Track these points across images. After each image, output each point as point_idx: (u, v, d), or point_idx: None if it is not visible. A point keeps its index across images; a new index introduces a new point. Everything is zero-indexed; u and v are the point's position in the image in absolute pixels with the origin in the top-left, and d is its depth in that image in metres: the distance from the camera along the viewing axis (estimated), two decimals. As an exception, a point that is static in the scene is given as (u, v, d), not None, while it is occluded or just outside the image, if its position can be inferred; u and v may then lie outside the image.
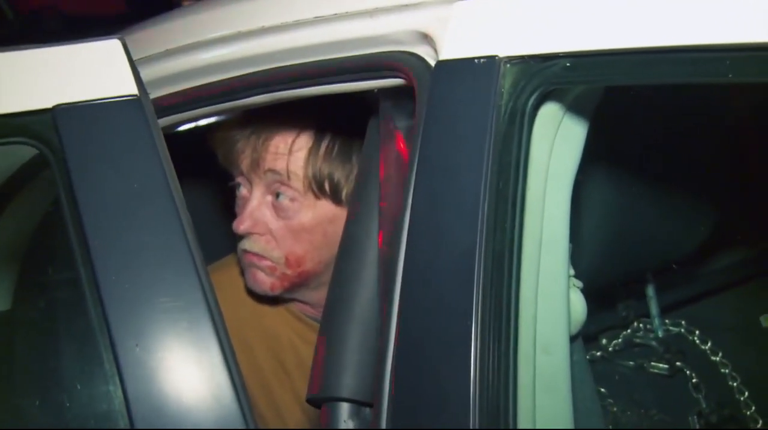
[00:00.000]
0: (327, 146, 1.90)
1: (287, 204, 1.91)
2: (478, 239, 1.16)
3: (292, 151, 1.89)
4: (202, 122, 2.09)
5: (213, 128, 2.03)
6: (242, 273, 2.05)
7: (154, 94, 1.61)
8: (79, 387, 1.38)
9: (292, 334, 2.10)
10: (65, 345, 1.41)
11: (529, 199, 1.21)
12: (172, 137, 1.53)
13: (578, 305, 1.33)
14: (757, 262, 1.93)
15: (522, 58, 1.19)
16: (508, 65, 1.20)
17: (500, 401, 1.14)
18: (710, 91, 1.49)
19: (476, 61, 1.22)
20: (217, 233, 2.35)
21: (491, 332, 1.15)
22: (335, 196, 1.90)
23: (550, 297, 1.24)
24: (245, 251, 1.98)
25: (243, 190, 1.98)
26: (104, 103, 1.35)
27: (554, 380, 1.24)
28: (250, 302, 2.08)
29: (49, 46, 1.39)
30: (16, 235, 1.76)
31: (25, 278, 1.74)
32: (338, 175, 1.89)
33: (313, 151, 1.89)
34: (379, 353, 1.30)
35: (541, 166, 1.23)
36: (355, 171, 1.89)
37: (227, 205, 2.10)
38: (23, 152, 1.49)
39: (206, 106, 1.65)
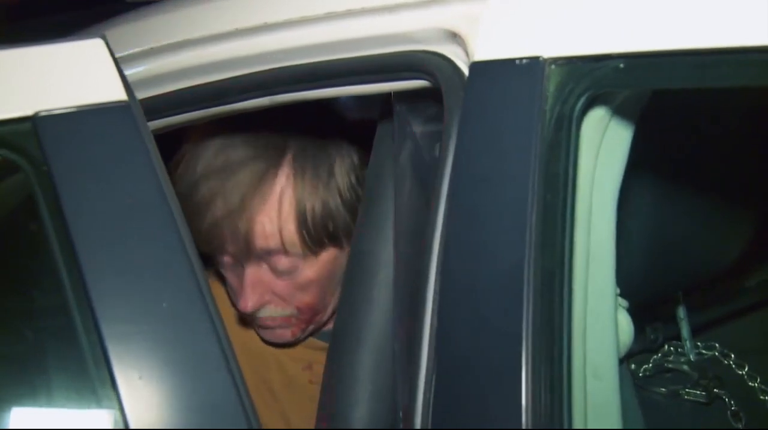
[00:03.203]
0: (314, 198, 1.93)
1: (288, 269, 1.97)
2: (526, 256, 1.20)
3: (282, 226, 1.93)
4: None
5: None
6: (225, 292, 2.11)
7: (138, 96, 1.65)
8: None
9: (278, 352, 2.17)
10: (54, 380, 1.42)
11: (577, 212, 1.25)
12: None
13: (625, 326, 1.39)
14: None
15: (569, 59, 1.23)
16: (553, 66, 1.24)
17: (555, 432, 1.19)
18: (750, 95, 1.55)
19: (517, 62, 1.27)
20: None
21: (543, 357, 1.19)
22: (335, 242, 1.97)
23: (598, 318, 1.29)
24: (256, 318, 2.05)
25: (231, 263, 2.03)
26: (90, 109, 1.38)
27: (605, 407, 1.29)
28: (232, 321, 2.13)
29: (23, 46, 1.41)
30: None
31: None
32: (333, 222, 1.95)
33: (301, 214, 1.93)
34: (408, 382, 1.34)
35: (587, 175, 1.28)
36: (339, 199, 1.94)
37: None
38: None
39: (197, 109, 1.68)
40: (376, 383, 1.57)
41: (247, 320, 2.15)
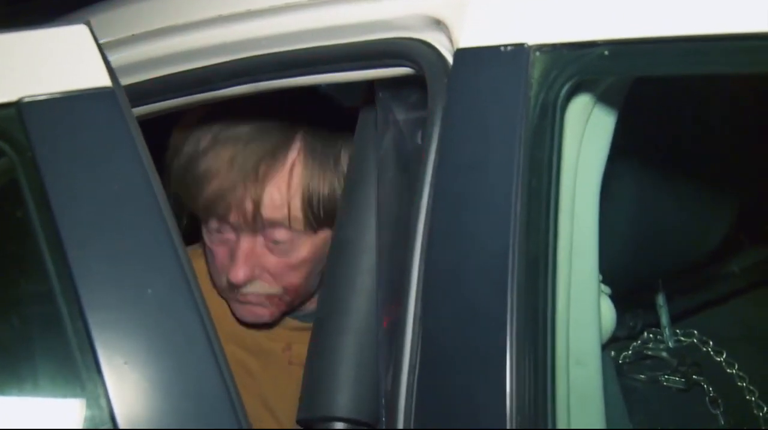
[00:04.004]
0: (321, 178, 1.95)
1: (286, 245, 1.98)
2: (510, 242, 1.21)
3: (290, 199, 1.94)
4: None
5: (181, 175, 2.02)
6: (201, 272, 2.12)
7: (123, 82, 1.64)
8: (57, 414, 1.39)
9: (256, 333, 2.17)
10: (40, 366, 1.41)
11: (561, 198, 1.26)
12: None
13: (608, 312, 1.40)
14: (768, 265, 2.01)
15: (554, 46, 1.24)
16: (538, 53, 1.24)
17: (539, 418, 1.19)
18: (733, 82, 1.56)
19: (502, 49, 1.27)
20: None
21: (527, 345, 1.19)
22: (334, 219, 1.95)
23: (582, 304, 1.30)
24: (240, 293, 2.04)
25: (226, 234, 2.02)
26: (75, 95, 1.37)
27: (588, 394, 1.30)
28: (209, 302, 2.12)
29: (7, 32, 1.40)
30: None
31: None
32: (335, 205, 1.95)
33: (310, 189, 1.95)
34: (392, 368, 1.34)
35: (570, 162, 1.28)
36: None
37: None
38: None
39: (180, 96, 1.67)
40: (358, 370, 1.57)
41: (224, 300, 2.15)
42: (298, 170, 1.94)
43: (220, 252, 2.04)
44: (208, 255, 2.10)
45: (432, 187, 1.32)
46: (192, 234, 2.18)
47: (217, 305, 2.14)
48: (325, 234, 1.99)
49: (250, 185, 1.92)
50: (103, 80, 1.37)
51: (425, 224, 1.32)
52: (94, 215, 1.32)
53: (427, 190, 1.33)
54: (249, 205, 1.93)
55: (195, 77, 1.63)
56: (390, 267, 1.51)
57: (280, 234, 1.96)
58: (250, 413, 2.07)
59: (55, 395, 1.35)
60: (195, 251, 2.21)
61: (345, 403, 1.56)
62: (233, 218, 1.96)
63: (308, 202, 1.94)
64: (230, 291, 2.06)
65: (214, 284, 2.13)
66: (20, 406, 1.34)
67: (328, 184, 1.95)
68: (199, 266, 2.16)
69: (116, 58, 1.66)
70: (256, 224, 1.95)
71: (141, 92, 1.68)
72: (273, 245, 1.99)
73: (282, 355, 2.16)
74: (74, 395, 1.31)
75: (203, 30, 1.60)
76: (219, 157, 1.93)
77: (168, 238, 1.33)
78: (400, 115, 1.56)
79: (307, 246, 2.00)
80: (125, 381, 1.27)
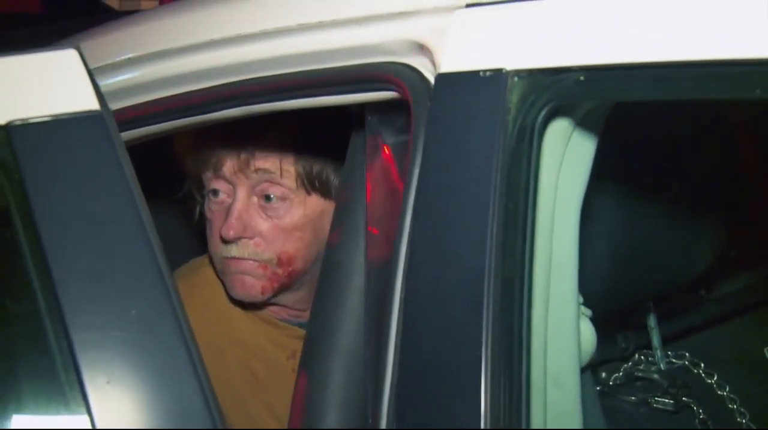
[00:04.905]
0: (316, 140, 2.01)
1: (277, 203, 2.03)
2: (487, 264, 1.22)
3: (282, 152, 2.00)
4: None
5: (186, 134, 2.08)
6: (209, 279, 2.17)
7: (113, 107, 1.66)
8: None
9: (262, 339, 2.20)
10: (24, 386, 1.43)
11: (538, 221, 1.27)
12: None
13: (588, 334, 1.40)
14: (761, 288, 2.01)
15: (531, 71, 1.25)
16: (516, 79, 1.26)
17: (513, 438, 1.20)
18: (720, 107, 1.57)
19: (481, 74, 1.29)
20: (179, 246, 2.43)
21: (502, 364, 1.20)
22: (325, 191, 2.03)
23: (560, 326, 1.31)
24: (231, 258, 2.07)
25: (221, 195, 2.07)
26: (63, 119, 1.38)
27: (566, 416, 1.31)
28: (217, 307, 2.18)
29: (-2, 56, 1.43)
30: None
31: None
32: (328, 169, 2.01)
33: (301, 152, 2.00)
34: (375, 387, 1.35)
35: (549, 185, 1.30)
36: (335, 174, 2.02)
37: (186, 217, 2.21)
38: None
39: (172, 120, 1.69)
40: (347, 390, 1.59)
41: (232, 304, 2.18)
42: (294, 131, 2.01)
43: (217, 217, 2.09)
44: (207, 230, 2.14)
45: (414, 208, 1.33)
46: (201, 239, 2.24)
47: (224, 311, 2.19)
48: (317, 204, 2.05)
49: (246, 139, 1.99)
50: (92, 104, 1.39)
51: (407, 245, 1.33)
52: (80, 236, 1.33)
53: (410, 212, 1.34)
54: (243, 154, 2.00)
55: (185, 101, 1.65)
56: (377, 288, 1.52)
57: (273, 189, 2.02)
58: (256, 419, 2.12)
59: (39, 414, 1.36)
60: (203, 260, 2.26)
61: (332, 421, 1.58)
62: (228, 168, 2.02)
63: (299, 160, 2.01)
64: (225, 259, 2.09)
65: (213, 265, 2.17)
66: (4, 425, 1.35)
67: (319, 162, 2.01)
68: (207, 273, 2.22)
69: (110, 82, 1.68)
70: (249, 171, 2.01)
71: (132, 116, 1.70)
72: (266, 205, 2.03)
73: (287, 363, 2.19)
74: (58, 414, 1.32)
75: (194, 54, 1.62)
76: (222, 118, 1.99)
77: (152, 260, 1.34)
78: (389, 139, 1.58)
79: (299, 211, 2.04)
80: (108, 401, 1.28)
